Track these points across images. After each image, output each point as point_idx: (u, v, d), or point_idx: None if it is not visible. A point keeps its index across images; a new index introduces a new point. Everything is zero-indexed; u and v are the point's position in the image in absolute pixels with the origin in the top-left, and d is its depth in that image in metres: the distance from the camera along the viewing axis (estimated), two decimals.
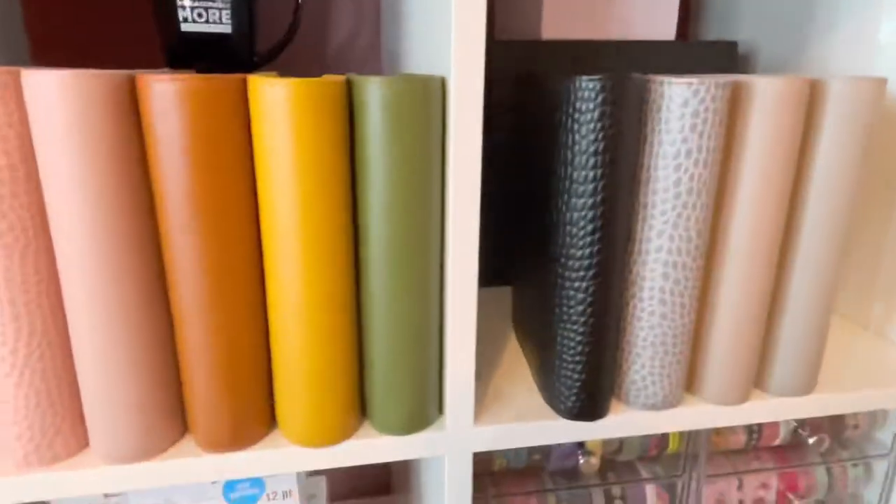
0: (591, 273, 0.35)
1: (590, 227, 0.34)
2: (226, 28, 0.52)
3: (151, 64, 0.58)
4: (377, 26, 0.67)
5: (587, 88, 0.32)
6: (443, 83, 0.32)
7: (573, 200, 0.34)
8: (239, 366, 0.34)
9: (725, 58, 0.57)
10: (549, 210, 0.36)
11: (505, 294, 0.59)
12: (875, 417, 0.51)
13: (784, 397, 0.41)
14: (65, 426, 0.34)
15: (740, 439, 0.48)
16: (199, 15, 0.51)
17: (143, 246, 0.31)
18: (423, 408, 0.36)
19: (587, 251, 0.35)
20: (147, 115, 0.29)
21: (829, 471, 0.50)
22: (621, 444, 0.47)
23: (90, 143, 0.28)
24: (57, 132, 0.28)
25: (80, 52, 0.58)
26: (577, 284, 0.35)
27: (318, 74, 0.68)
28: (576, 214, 0.34)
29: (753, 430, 0.48)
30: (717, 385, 0.40)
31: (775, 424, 0.49)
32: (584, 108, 0.32)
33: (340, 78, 0.30)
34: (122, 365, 0.32)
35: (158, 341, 0.33)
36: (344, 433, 0.36)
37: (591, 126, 0.32)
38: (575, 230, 0.35)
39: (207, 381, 0.33)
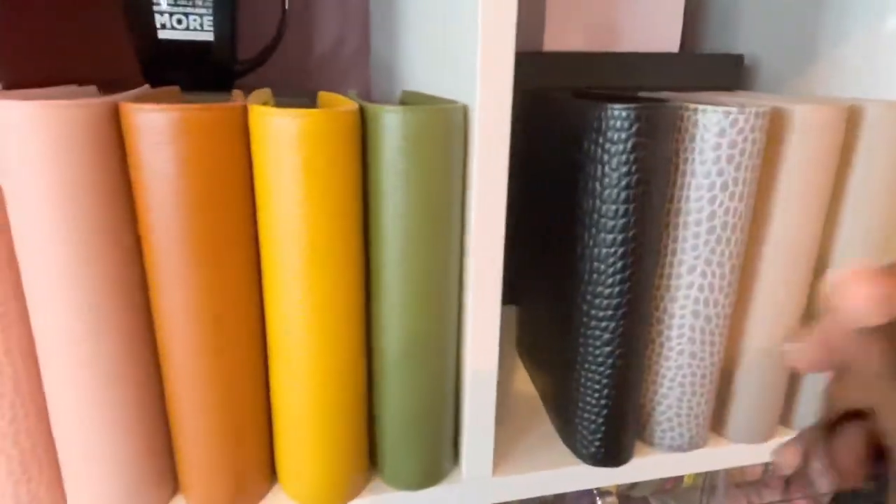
0: (619, 313, 0.32)
1: (619, 265, 0.32)
2: (207, 35, 0.48)
3: (126, 76, 0.54)
4: (364, 33, 0.64)
5: (619, 118, 0.29)
6: (465, 112, 0.29)
7: (601, 236, 0.32)
8: (237, 421, 0.30)
9: (730, 71, 0.55)
10: (571, 243, 0.34)
11: (507, 314, 0.57)
12: None
13: None
14: (41, 492, 0.30)
15: (757, 471, 0.46)
16: (179, 21, 0.47)
17: (128, 293, 0.28)
18: (438, 459, 0.34)
19: (616, 290, 0.32)
20: (134, 148, 0.26)
21: None
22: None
23: (67, 183, 0.25)
24: (27, 170, 0.24)
25: (46, 62, 0.54)
26: (603, 324, 0.33)
27: (302, 85, 0.64)
28: (604, 251, 0.32)
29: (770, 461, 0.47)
30: (743, 424, 0.38)
31: None
32: (615, 138, 0.30)
33: (353, 106, 0.27)
34: (105, 424, 0.29)
35: (146, 397, 0.30)
36: (352, 490, 0.33)
37: (623, 158, 0.30)
38: (603, 266, 0.32)
39: (202, 438, 0.30)
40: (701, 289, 0.33)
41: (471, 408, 0.33)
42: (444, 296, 0.31)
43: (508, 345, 0.51)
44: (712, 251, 0.32)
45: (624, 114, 0.29)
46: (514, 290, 0.51)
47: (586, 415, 0.35)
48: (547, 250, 0.39)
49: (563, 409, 0.37)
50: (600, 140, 0.30)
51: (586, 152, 0.31)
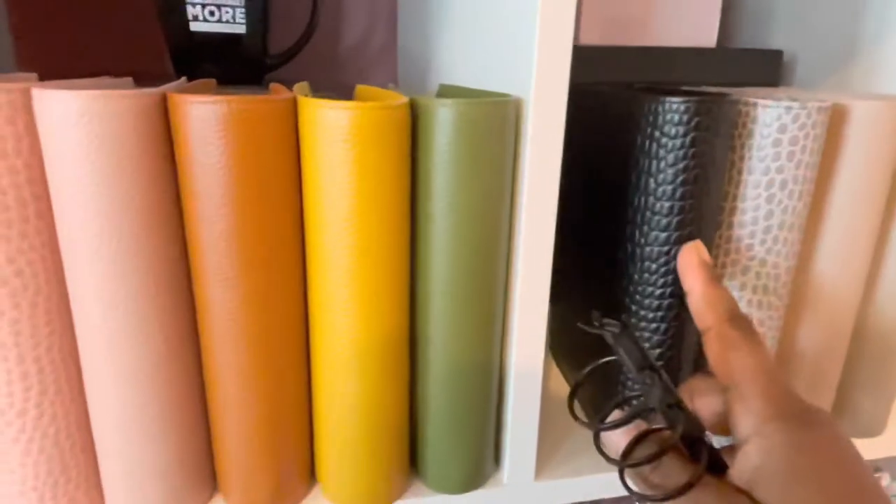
0: (670, 314, 0.31)
1: (672, 265, 0.31)
2: (239, 28, 0.47)
3: (158, 68, 0.53)
4: (392, 27, 0.63)
5: (677, 111, 0.28)
6: (517, 106, 0.28)
7: (653, 234, 0.31)
8: (278, 422, 0.30)
9: (770, 67, 0.54)
10: (620, 241, 0.33)
11: None
12: None
13: (856, 438, 0.38)
14: (79, 494, 0.29)
15: None
16: (211, 13, 0.46)
17: (173, 294, 0.27)
18: (480, 462, 0.33)
19: (667, 290, 0.31)
20: (182, 140, 0.25)
21: None
22: None
23: (115, 176, 0.24)
24: (75, 163, 0.24)
25: (72, 53, 0.53)
26: (652, 326, 0.32)
27: (330, 78, 0.63)
28: (655, 249, 0.31)
29: None
30: None
31: None
32: (672, 132, 0.29)
33: (405, 99, 0.26)
34: (146, 426, 0.28)
35: (187, 398, 0.29)
36: (393, 493, 0.32)
37: (681, 153, 0.29)
38: (654, 266, 0.31)
39: (244, 440, 0.29)
40: (755, 290, 0.32)
41: (514, 410, 0.32)
42: (490, 295, 0.30)
43: None
44: (768, 251, 0.31)
45: (682, 107, 0.28)
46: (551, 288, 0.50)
47: None
48: (589, 248, 0.38)
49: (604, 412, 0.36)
50: (656, 134, 0.29)
51: (640, 147, 0.30)
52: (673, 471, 0.23)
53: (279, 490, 0.31)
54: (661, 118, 0.29)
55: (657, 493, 0.23)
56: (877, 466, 0.46)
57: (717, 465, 0.23)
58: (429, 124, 0.27)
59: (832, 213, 0.33)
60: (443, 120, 0.26)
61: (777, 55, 0.54)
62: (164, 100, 0.25)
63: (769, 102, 0.29)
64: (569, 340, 0.43)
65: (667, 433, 0.25)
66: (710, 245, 0.31)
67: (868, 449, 0.39)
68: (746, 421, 0.22)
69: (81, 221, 0.25)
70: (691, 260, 0.29)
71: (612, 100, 0.34)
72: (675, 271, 0.30)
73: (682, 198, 0.29)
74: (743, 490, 0.22)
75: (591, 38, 0.52)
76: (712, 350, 0.25)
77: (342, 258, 0.27)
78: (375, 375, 0.29)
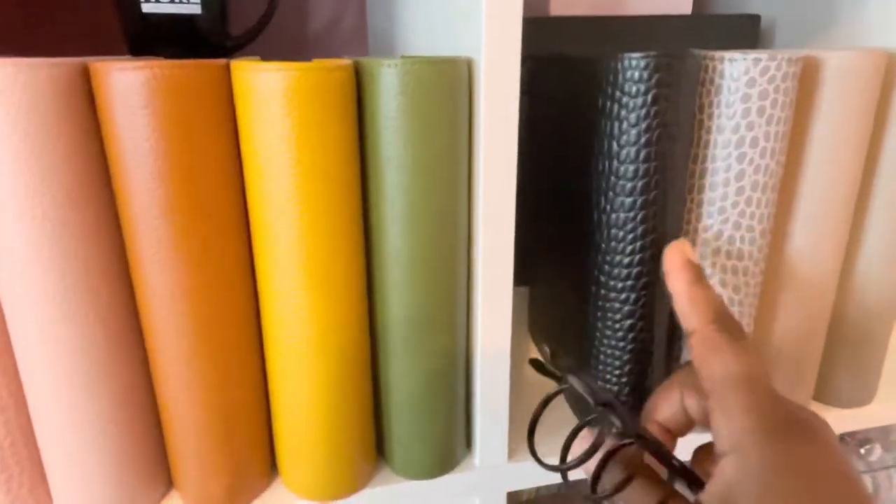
0: (639, 283, 0.30)
1: (639, 230, 0.29)
2: (194, 8, 0.45)
3: (113, 53, 0.51)
4: (361, 7, 0.61)
5: (637, 68, 0.27)
6: (469, 66, 0.26)
7: (619, 199, 0.29)
8: (232, 413, 0.28)
9: (747, 32, 0.52)
10: (586, 210, 0.31)
11: (519, 295, 0.54)
12: None
13: (843, 409, 0.37)
14: (23, 493, 0.28)
15: None
16: None
17: (107, 276, 0.25)
18: (451, 446, 0.31)
19: (636, 258, 0.30)
20: (107, 112, 0.23)
21: (873, 478, 0.46)
22: None
23: (37, 151, 0.23)
24: None
25: (24, 39, 0.51)
26: (622, 296, 0.30)
27: (300, 59, 0.62)
28: (622, 216, 0.29)
29: None
30: None
31: None
32: (633, 90, 0.27)
33: (347, 62, 0.25)
34: (89, 423, 0.27)
35: (132, 392, 0.27)
36: (359, 481, 0.31)
37: (643, 112, 0.27)
38: (621, 234, 0.30)
39: (195, 433, 0.28)
40: (729, 255, 0.31)
41: (483, 390, 0.30)
42: (451, 269, 0.28)
43: (521, 327, 0.48)
44: (741, 213, 0.30)
45: (643, 63, 0.27)
46: (526, 270, 0.49)
47: None
48: (560, 225, 0.37)
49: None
50: (616, 94, 0.28)
51: (600, 109, 0.29)
52: (639, 496, 0.23)
53: (236, 483, 0.29)
54: (620, 76, 0.27)
55: None
56: (867, 437, 0.45)
57: (695, 481, 0.23)
58: (375, 88, 0.25)
59: (810, 171, 0.31)
60: (388, 82, 0.25)
61: (755, 20, 0.52)
62: (86, 70, 0.23)
63: (736, 55, 0.28)
64: (547, 323, 0.42)
65: (632, 450, 0.24)
66: (679, 208, 0.30)
67: (858, 419, 0.38)
68: (725, 432, 0.21)
69: (3, 198, 0.23)
70: (675, 260, 0.26)
71: (576, 65, 0.32)
72: (643, 237, 0.29)
73: (646, 159, 0.28)
74: None
75: (562, 9, 0.50)
76: (696, 354, 0.24)
77: (289, 236, 0.25)
78: (333, 360, 0.28)
